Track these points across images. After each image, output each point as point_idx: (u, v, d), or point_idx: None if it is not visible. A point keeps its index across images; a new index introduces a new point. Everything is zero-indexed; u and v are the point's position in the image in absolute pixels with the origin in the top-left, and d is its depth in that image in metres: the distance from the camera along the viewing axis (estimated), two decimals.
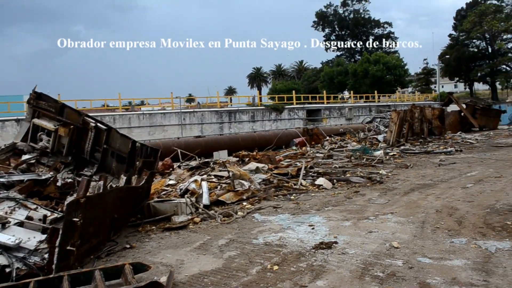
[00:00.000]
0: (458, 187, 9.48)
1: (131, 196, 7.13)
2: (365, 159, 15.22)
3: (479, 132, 27.95)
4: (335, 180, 10.71)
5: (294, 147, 22.01)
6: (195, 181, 9.06)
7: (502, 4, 72.26)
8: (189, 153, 16.63)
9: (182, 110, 29.93)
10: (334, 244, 5.69)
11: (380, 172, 11.99)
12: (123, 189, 6.88)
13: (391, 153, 17.01)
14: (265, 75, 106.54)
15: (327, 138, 23.47)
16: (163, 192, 9.93)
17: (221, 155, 19.86)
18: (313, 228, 6.62)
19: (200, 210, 8.10)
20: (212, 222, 7.52)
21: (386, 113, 33.74)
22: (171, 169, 14.33)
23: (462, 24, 71.49)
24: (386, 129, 24.39)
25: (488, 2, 72.80)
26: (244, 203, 8.74)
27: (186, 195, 8.52)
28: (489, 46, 73.21)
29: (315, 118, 39.21)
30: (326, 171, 12.36)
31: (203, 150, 21.08)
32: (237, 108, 33.62)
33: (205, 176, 9.96)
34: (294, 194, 9.47)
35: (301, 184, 10.26)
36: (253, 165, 12.96)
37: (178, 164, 15.86)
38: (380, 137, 22.83)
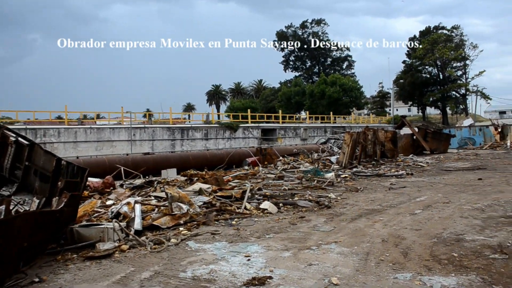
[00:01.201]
0: (406, 213, 9.14)
1: (47, 221, 6.33)
2: (316, 181, 14.84)
3: (430, 155, 28.35)
4: (281, 204, 10.19)
5: (246, 167, 21.50)
6: (128, 203, 8.31)
7: (452, 34, 75.45)
8: (134, 171, 15.75)
9: (132, 126, 28.91)
10: (268, 280, 5.10)
11: (329, 195, 11.59)
12: (35, 214, 6.08)
13: (343, 175, 16.74)
14: (223, 92, 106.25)
15: (281, 158, 23.11)
16: (96, 215, 9.12)
17: (170, 174, 19.06)
18: (249, 259, 6.02)
19: (130, 236, 7.36)
20: (141, 250, 6.80)
21: (341, 135, 33.88)
22: (111, 188, 13.46)
23: (416, 51, 73.86)
24: (340, 151, 24.29)
25: (439, 31, 75.76)
26: (181, 229, 8.06)
27: (115, 220, 7.76)
28: (440, 73, 75.81)
29: (270, 138, 38.94)
30: (274, 194, 11.85)
31: (152, 168, 20.21)
32: (190, 125, 32.84)
33: (139, 198, 9.21)
34: (236, 219, 8.87)
35: (245, 207, 9.68)
36: (197, 185, 12.32)
37: (121, 182, 14.98)
38: (333, 159, 22.66)
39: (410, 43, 79.33)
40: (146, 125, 29.76)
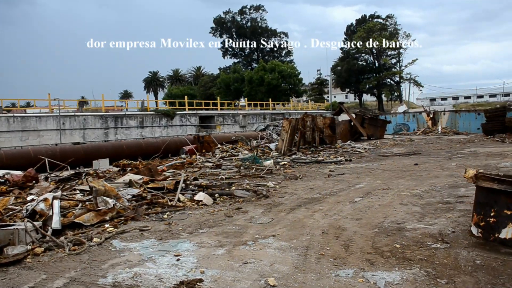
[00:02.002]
0: (346, 201, 8.89)
1: None
2: (254, 169, 14.42)
3: (368, 141, 28.80)
4: (217, 195, 9.65)
5: (183, 156, 20.75)
6: (45, 199, 7.45)
7: (386, 23, 77.63)
8: (61, 163, 14.62)
9: (61, 114, 27.12)
10: (198, 284, 4.56)
11: (268, 184, 11.18)
12: None
13: (282, 163, 16.44)
14: (161, 79, 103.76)
15: (219, 146, 22.50)
16: (10, 213, 8.17)
17: (102, 164, 18.04)
18: (178, 259, 5.44)
19: (47, 237, 6.56)
20: (58, 253, 6.04)
21: (280, 121, 33.72)
22: (34, 181, 12.35)
23: (352, 39, 75.34)
24: (279, 137, 24.06)
25: (375, 20, 77.70)
26: (107, 225, 7.33)
27: (28, 219, 6.90)
28: (375, 61, 77.87)
29: (209, 125, 38.15)
30: (210, 184, 11.28)
31: (82, 159, 19.05)
32: (124, 113, 31.35)
33: (59, 193, 8.34)
34: (168, 213, 8.23)
35: (178, 200, 9.05)
36: (128, 177, 11.52)
37: (45, 175, 13.85)
38: (272, 146, 22.36)
39: (347, 31, 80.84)
40: (76, 113, 28.02)
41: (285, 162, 16.53)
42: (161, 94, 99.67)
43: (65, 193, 9.40)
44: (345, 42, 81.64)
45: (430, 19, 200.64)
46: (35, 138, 25.89)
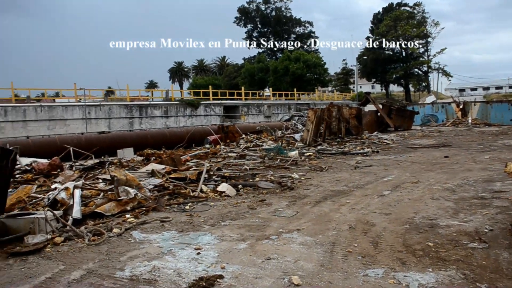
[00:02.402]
0: (374, 194, 8.55)
1: None
2: (278, 160, 14.16)
3: (395, 132, 28.16)
4: (240, 186, 9.42)
5: (207, 146, 20.64)
6: (66, 188, 7.35)
7: (414, 11, 75.75)
8: (85, 151, 14.63)
9: (87, 103, 27.33)
10: (218, 280, 4.34)
11: (292, 176, 10.90)
12: None
13: (307, 154, 16.12)
14: (186, 69, 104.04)
15: (243, 136, 22.29)
16: (32, 201, 8.13)
17: (126, 154, 18.02)
18: (199, 253, 5.24)
19: (68, 227, 6.44)
20: (78, 243, 5.91)
21: (305, 111, 33.27)
22: (58, 170, 12.36)
23: (379, 28, 73.91)
24: (304, 128, 23.69)
25: (402, 8, 75.91)
26: (127, 216, 7.18)
27: (48, 208, 6.80)
28: (403, 50, 76.25)
29: (233, 115, 37.94)
30: (234, 174, 11.08)
31: (107, 148, 19.07)
32: (148, 103, 31.38)
33: (80, 182, 8.24)
34: (190, 204, 8.05)
35: (201, 190, 8.86)
36: (152, 166, 11.41)
37: (70, 163, 13.88)
38: (297, 136, 22.02)
39: (374, 20, 79.36)
40: (101, 103, 28.17)
41: (311, 153, 16.21)
42: (186, 84, 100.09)
43: (87, 182, 9.32)
44: (372, 31, 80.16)
45: (458, 6, 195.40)
46: (62, 127, 26.16)
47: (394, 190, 9.01)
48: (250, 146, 19.17)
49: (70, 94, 36.01)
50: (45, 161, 13.66)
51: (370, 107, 34.10)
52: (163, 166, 11.28)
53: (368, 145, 19.54)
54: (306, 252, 5.13)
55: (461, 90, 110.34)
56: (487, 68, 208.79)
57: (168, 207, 7.83)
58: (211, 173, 10.78)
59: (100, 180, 9.73)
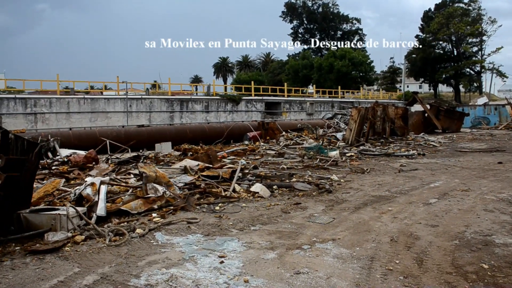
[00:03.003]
0: (419, 202, 7.87)
1: None
2: (318, 159, 13.58)
3: (442, 134, 26.92)
4: (275, 186, 8.93)
5: (246, 142, 20.27)
6: (92, 184, 7.08)
7: (469, 8, 72.52)
8: (122, 145, 14.53)
9: (128, 97, 27.48)
10: None
11: (331, 177, 10.31)
12: None
13: (348, 154, 15.45)
14: (230, 65, 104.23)
15: (284, 133, 21.80)
16: (62, 195, 7.95)
17: (164, 148, 17.89)
18: (222, 262, 4.79)
19: (90, 225, 6.16)
20: (98, 243, 5.61)
21: (348, 110, 32.39)
22: (94, 163, 12.29)
23: (429, 25, 71.34)
24: (347, 127, 22.95)
25: (456, 5, 72.87)
26: (154, 215, 6.85)
27: (70, 204, 6.55)
28: (454, 49, 73.36)
29: (274, 112, 37.37)
30: (270, 174, 10.61)
31: (146, 141, 19.05)
32: (189, 97, 31.29)
33: (107, 178, 7.98)
34: (220, 204, 7.64)
35: (233, 190, 8.44)
36: (186, 162, 11.11)
37: (106, 156, 13.80)
38: (339, 135, 21.34)
39: (424, 17, 76.70)
40: (143, 96, 28.25)
41: (352, 154, 15.53)
42: (229, 80, 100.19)
43: (118, 177, 9.10)
44: (422, 29, 77.54)
45: None
46: (103, 119, 26.44)
47: (441, 198, 8.28)
48: (290, 144, 18.67)
49: (114, 88, 36.49)
50: (83, 153, 13.67)
51: (417, 108, 32.86)
52: (197, 163, 10.96)
53: (413, 147, 18.63)
54: (340, 267, 4.59)
55: None
56: None
57: (197, 207, 7.45)
58: (247, 171, 10.36)
59: (132, 175, 9.50)
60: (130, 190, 7.73)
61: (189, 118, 30.05)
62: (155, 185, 7.42)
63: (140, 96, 28.33)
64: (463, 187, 9.38)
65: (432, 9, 78.19)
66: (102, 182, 7.05)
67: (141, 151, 17.68)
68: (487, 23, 71.52)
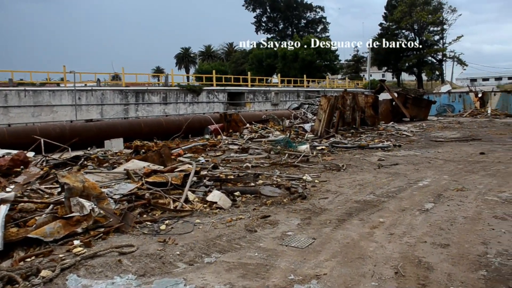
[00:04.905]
0: (414, 209, 6.44)
1: None
2: (286, 155, 12.07)
3: (411, 122, 26.03)
4: (238, 193, 7.33)
5: (207, 136, 18.55)
6: None
7: None
8: (59, 144, 12.57)
9: (77, 88, 25.05)
10: None
11: (304, 178, 8.79)
12: None
13: (319, 147, 14.01)
14: (192, 55, 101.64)
15: (248, 125, 20.18)
16: None
17: (115, 145, 16.01)
18: None
19: None
20: None
21: (315, 99, 31.07)
22: (22, 166, 10.32)
23: (393, 14, 71.05)
24: (314, 117, 21.55)
25: None
26: (76, 242, 5.13)
27: None
28: (417, 37, 73.36)
29: (238, 102, 35.57)
30: (233, 174, 9.00)
31: (95, 138, 17.10)
32: (146, 88, 29.05)
33: (11, 194, 6.17)
34: (168, 221, 5.98)
35: (185, 200, 6.78)
36: (133, 164, 9.37)
37: (41, 158, 11.82)
38: (307, 126, 19.90)
39: (388, 6, 76.44)
40: (93, 88, 25.87)
41: (323, 146, 14.10)
42: (192, 71, 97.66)
43: (42, 187, 7.30)
44: (385, 18, 77.26)
45: None
46: (49, 114, 23.92)
47: (437, 201, 6.89)
48: (254, 137, 17.10)
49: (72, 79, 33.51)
50: (12, 153, 11.66)
51: (383, 96, 31.89)
52: (146, 164, 9.24)
53: (386, 137, 17.40)
54: None
55: (473, 80, 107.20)
56: (498, 58, 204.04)
57: (137, 226, 5.77)
58: (204, 172, 8.70)
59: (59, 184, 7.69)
60: (50, 207, 5.97)
61: (145, 111, 27.86)
62: (81, 200, 5.68)
63: (90, 88, 25.87)
64: (457, 186, 8.06)
65: None
66: (2, 201, 5.25)
67: (88, 149, 15.77)
68: (448, 12, 71.81)
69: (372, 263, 4.34)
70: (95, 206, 5.67)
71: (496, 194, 7.32)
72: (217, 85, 36.56)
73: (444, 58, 72.63)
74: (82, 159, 10.86)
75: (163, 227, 5.73)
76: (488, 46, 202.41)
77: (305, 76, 53.16)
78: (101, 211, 5.65)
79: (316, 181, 8.72)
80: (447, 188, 7.91)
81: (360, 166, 10.66)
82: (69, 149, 12.43)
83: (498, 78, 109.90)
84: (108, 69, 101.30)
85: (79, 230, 5.36)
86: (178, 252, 4.78)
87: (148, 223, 5.89)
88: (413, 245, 4.84)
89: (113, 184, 7.29)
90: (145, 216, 6.16)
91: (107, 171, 9.09)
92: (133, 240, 5.24)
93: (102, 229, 5.49)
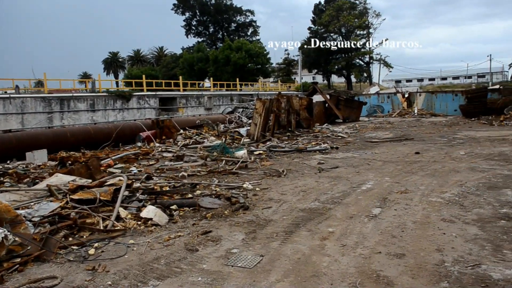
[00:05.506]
0: (361, 215, 6.18)
1: None
2: (224, 161, 11.60)
3: (344, 124, 26.38)
4: (175, 206, 6.75)
5: (139, 144, 17.67)
6: None
7: (356, 2, 75.21)
8: None
9: None
10: None
11: (244, 186, 8.36)
12: None
13: (257, 152, 13.66)
14: (121, 60, 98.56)
15: (181, 131, 19.49)
16: None
17: (37, 157, 14.77)
18: None
19: None
20: None
21: (249, 103, 30.84)
22: None
23: (321, 18, 72.73)
24: (250, 121, 21.25)
25: None
26: None
27: None
28: (344, 40, 75.55)
29: (170, 108, 34.53)
30: (168, 185, 8.39)
31: (15, 150, 15.74)
32: (71, 95, 27.29)
33: None
34: (98, 243, 5.31)
35: (117, 218, 6.11)
36: (57, 178, 8.52)
37: None
38: (242, 131, 19.51)
39: (315, 10, 78.20)
40: (11, 95, 23.85)
41: (261, 151, 13.76)
42: (122, 76, 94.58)
43: None
44: (314, 22, 78.92)
45: (393, 2, 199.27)
46: None
47: (384, 205, 6.70)
48: (189, 144, 16.49)
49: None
50: None
51: (316, 98, 32.24)
52: (72, 178, 8.42)
53: (322, 139, 17.37)
54: None
55: (397, 81, 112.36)
56: (419, 61, 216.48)
57: (61, 252, 5.06)
58: (138, 184, 8.03)
59: None
60: None
61: (72, 119, 26.18)
62: None
63: (7, 95, 23.85)
64: (399, 188, 7.97)
65: (322, 2, 79.93)
66: None
67: (8, 162, 14.46)
68: (373, 16, 74.59)
69: (328, 281, 3.97)
70: (9, 233, 4.89)
71: (439, 195, 7.26)
72: (148, 90, 35.31)
73: (371, 61, 75.29)
74: None
75: (91, 251, 5.06)
76: (409, 49, 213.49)
77: (237, 79, 52.96)
78: (16, 238, 4.89)
79: (257, 189, 8.32)
80: (390, 190, 7.77)
81: (301, 170, 10.39)
82: None
83: (420, 79, 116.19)
84: (28, 75, 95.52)
85: None
86: (109, 282, 4.17)
87: (75, 247, 5.19)
88: (368, 257, 4.53)
89: (32, 204, 6.47)
90: (70, 239, 5.45)
91: (26, 188, 8.18)
92: (56, 270, 4.55)
93: (18, 259, 4.74)
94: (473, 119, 26.32)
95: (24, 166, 13.09)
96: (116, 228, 5.79)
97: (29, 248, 4.91)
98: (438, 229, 5.39)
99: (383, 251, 4.67)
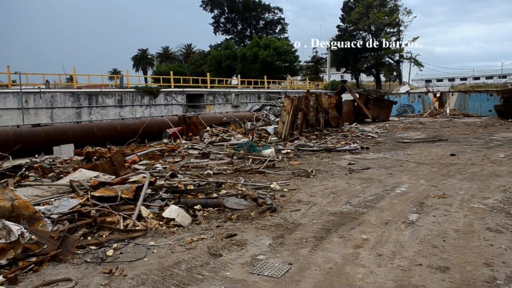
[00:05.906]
0: (398, 221, 5.75)
1: None
2: (250, 160, 11.28)
3: (373, 123, 25.72)
4: (199, 207, 6.45)
5: (165, 140, 17.52)
6: None
7: None
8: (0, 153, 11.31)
9: (23, 90, 23.29)
10: None
11: (271, 186, 8.01)
12: None
13: (285, 151, 13.29)
14: (150, 57, 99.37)
15: (208, 128, 19.26)
16: None
17: (64, 151, 14.73)
18: None
19: None
20: None
21: (277, 101, 30.41)
22: None
23: (350, 15, 71.63)
24: (277, 119, 20.87)
25: None
26: None
27: None
28: (374, 39, 74.24)
29: (197, 104, 34.41)
30: (193, 183, 8.11)
31: (44, 144, 15.78)
32: (99, 90, 27.45)
33: None
34: (117, 244, 5.05)
35: (138, 217, 5.84)
36: (80, 173, 8.35)
37: None
38: (270, 129, 19.14)
39: (344, 7, 77.12)
40: (42, 90, 24.12)
41: (289, 150, 13.38)
42: (150, 73, 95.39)
43: None
44: (342, 19, 77.84)
45: None
46: None
47: (421, 210, 6.25)
48: (215, 141, 16.23)
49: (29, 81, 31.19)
50: None
51: (345, 97, 31.64)
52: (96, 173, 8.23)
53: (352, 139, 16.87)
54: None
55: (428, 81, 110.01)
56: (449, 60, 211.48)
57: (79, 252, 4.82)
58: (161, 182, 7.78)
59: None
60: None
61: (99, 115, 26.29)
62: (7, 223, 4.67)
63: (38, 90, 24.09)
64: (436, 192, 7.47)
65: (351, 0, 78.75)
66: None
67: (36, 156, 14.48)
68: (403, 13, 72.96)
69: None
70: (26, 230, 4.67)
71: (481, 201, 6.76)
72: (175, 86, 35.24)
73: (401, 59, 73.78)
74: (23, 169, 9.67)
75: (110, 252, 4.80)
76: (440, 48, 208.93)
77: (265, 77, 52.58)
78: (33, 236, 4.66)
79: (285, 189, 7.95)
80: (427, 195, 7.30)
81: (330, 171, 9.97)
82: (10, 157, 11.19)
83: (451, 79, 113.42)
84: (59, 71, 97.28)
85: (3, 261, 4.36)
86: (126, 287, 3.88)
87: (93, 247, 4.94)
88: (407, 269, 4.12)
89: (53, 200, 6.27)
90: (89, 238, 5.20)
91: (49, 183, 8.02)
92: (72, 272, 4.29)
93: (34, 259, 4.50)
94: (509, 120, 25.33)
95: (51, 160, 13.04)
96: (137, 228, 5.52)
97: (45, 247, 4.68)
98: (484, 240, 4.93)
99: (424, 263, 4.25)
